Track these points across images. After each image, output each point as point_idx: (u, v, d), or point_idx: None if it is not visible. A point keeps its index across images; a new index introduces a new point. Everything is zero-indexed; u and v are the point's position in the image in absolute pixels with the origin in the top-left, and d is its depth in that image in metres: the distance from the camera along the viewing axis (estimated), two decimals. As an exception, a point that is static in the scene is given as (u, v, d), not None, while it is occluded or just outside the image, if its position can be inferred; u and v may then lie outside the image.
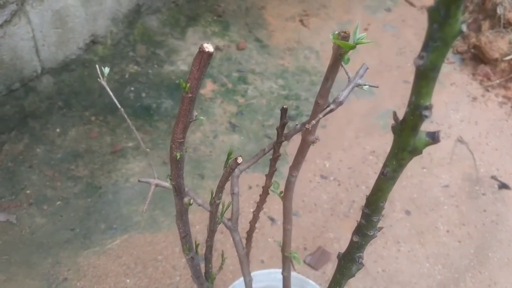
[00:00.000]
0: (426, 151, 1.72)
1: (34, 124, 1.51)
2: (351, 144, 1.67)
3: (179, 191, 0.52)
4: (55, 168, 1.43)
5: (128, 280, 1.21)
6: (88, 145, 1.51)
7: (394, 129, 0.35)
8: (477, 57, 2.15)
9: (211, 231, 0.61)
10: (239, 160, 0.51)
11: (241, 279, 0.89)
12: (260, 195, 0.75)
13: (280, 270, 0.95)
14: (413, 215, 1.45)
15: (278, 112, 1.78)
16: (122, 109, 0.69)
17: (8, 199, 1.33)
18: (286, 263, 0.79)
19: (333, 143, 1.66)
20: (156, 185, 0.66)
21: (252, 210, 0.82)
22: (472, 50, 2.18)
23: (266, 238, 1.34)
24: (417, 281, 1.27)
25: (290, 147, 1.60)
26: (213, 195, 0.56)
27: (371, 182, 1.69)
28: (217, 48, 1.95)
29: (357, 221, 0.47)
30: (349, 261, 0.49)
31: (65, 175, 1.42)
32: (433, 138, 0.34)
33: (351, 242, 0.48)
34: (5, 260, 1.20)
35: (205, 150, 1.57)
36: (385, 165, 0.38)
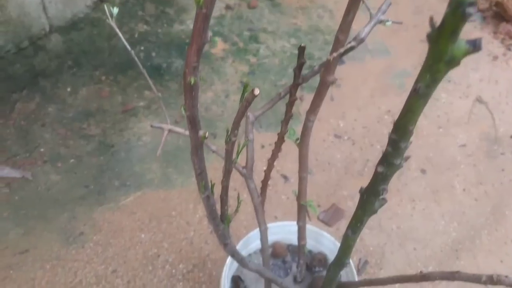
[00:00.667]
0: (443, 110, 1.66)
1: (44, 83, 1.50)
2: (366, 103, 1.64)
3: (193, 122, 0.49)
4: (67, 127, 1.43)
5: (143, 235, 1.22)
6: (99, 104, 1.50)
7: (430, 36, 0.32)
8: (499, 15, 2.06)
9: (227, 171, 0.59)
10: (256, 91, 0.48)
11: (257, 229, 0.88)
12: (275, 143, 0.73)
13: (295, 223, 0.95)
14: (429, 174, 1.43)
15: (291, 71, 1.74)
16: (136, 58, 0.66)
17: (22, 156, 1.34)
18: (302, 212, 0.78)
19: (348, 103, 1.62)
20: (170, 130, 0.65)
21: (264, 168, 0.81)
22: (494, 8, 2.09)
23: (280, 195, 1.34)
24: (431, 238, 1.27)
25: (304, 106, 1.57)
26: (229, 133, 0.54)
27: (385, 141, 1.66)
28: (227, 7, 1.90)
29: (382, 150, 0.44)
30: (372, 195, 0.48)
31: (77, 133, 1.42)
32: (474, 45, 0.31)
33: (375, 173, 0.46)
34: (23, 215, 1.22)
35: (216, 110, 1.55)
36: (417, 81, 0.35)
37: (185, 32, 1.78)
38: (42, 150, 1.37)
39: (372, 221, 1.31)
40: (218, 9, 1.88)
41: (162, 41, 1.72)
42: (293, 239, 0.98)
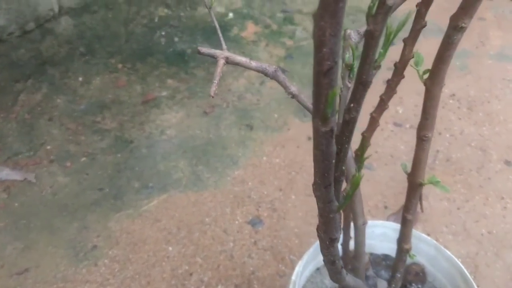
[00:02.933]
0: None
1: (53, 72, 1.29)
2: (427, 87, 1.38)
3: None
4: (79, 121, 1.21)
5: (170, 248, 0.98)
6: (116, 95, 1.29)
7: None
8: None
9: (361, 85, 0.29)
10: None
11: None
12: (387, 81, 0.49)
13: (380, 223, 0.70)
14: (516, 167, 1.16)
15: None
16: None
17: (25, 155, 1.13)
18: (414, 198, 0.53)
19: (405, 87, 1.37)
20: (227, 60, 0.41)
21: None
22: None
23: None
24: (535, 245, 0.99)
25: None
26: None
27: (455, 128, 1.40)
28: (257, -12, 1.68)
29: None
30: None
31: (90, 128, 1.20)
32: None
33: None
34: (23, 225, 1.00)
35: (251, 99, 1.32)
36: None
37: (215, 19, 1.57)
38: (48, 147, 1.15)
39: (454, 225, 1.05)
40: (246, -9, 1.67)
41: (185, 25, 1.51)
42: (376, 246, 0.73)
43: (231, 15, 1.57)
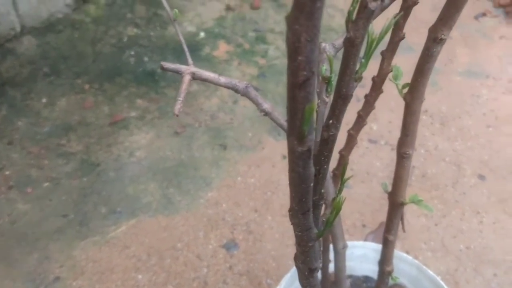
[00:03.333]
0: (488, 107, 1.39)
1: (14, 93, 1.23)
2: (399, 103, 1.38)
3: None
4: (41, 144, 1.15)
5: (140, 276, 0.92)
6: (82, 117, 1.23)
7: None
8: (524, 9, 1.88)
9: (341, 99, 0.27)
10: None
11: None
12: (365, 96, 0.47)
13: (360, 243, 0.67)
14: (489, 180, 1.17)
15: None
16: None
17: (-19, 182, 1.05)
18: (395, 218, 0.51)
19: (378, 103, 1.37)
20: (193, 76, 0.38)
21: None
22: (517, 2, 1.91)
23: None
24: (513, 259, 0.99)
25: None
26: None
27: (430, 144, 1.41)
28: (228, 8, 1.68)
29: None
30: None
31: (54, 151, 1.14)
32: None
33: None
34: (-23, 258, 0.92)
35: (224, 118, 1.29)
36: None
37: (181, 34, 1.54)
38: (7, 173, 1.08)
39: (433, 241, 1.03)
40: (217, 10, 1.66)
41: (155, 45, 1.48)
42: (356, 268, 0.70)
43: (202, 34, 1.55)
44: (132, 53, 1.44)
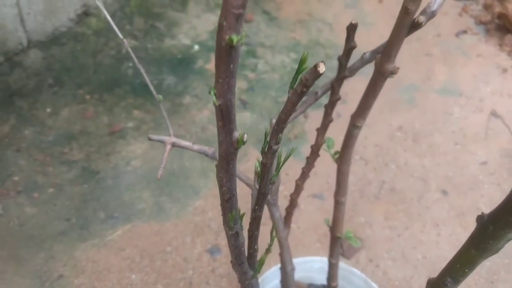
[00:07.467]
0: (458, 125, 1.52)
1: (21, 103, 1.34)
2: (376, 120, 1.51)
3: (227, 116, 0.28)
4: (46, 152, 1.26)
5: (133, 276, 1.05)
6: (83, 126, 1.34)
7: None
8: (503, 27, 1.98)
9: (261, 196, 0.40)
10: (321, 68, 0.29)
11: (274, 268, 0.73)
12: (307, 158, 0.59)
13: (318, 258, 0.79)
14: (451, 195, 1.30)
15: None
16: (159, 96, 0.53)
17: (-8, 187, 1.17)
18: (335, 246, 0.63)
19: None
20: (173, 145, 0.50)
21: (288, 193, 0.66)
22: (497, 20, 2.02)
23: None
24: (463, 269, 1.12)
25: (309, 124, 1.44)
26: (268, 137, 0.34)
27: (401, 160, 1.54)
28: (222, 21, 1.78)
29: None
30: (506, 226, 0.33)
31: (57, 159, 1.25)
32: None
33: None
34: (-10, 256, 1.04)
35: (214, 130, 1.41)
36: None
37: (177, 47, 1.65)
38: (16, 179, 1.20)
39: (394, 251, 1.16)
40: (212, 23, 1.76)
41: (152, 57, 1.58)
42: (315, 278, 0.83)
43: (196, 47, 1.66)
44: (130, 64, 1.55)
